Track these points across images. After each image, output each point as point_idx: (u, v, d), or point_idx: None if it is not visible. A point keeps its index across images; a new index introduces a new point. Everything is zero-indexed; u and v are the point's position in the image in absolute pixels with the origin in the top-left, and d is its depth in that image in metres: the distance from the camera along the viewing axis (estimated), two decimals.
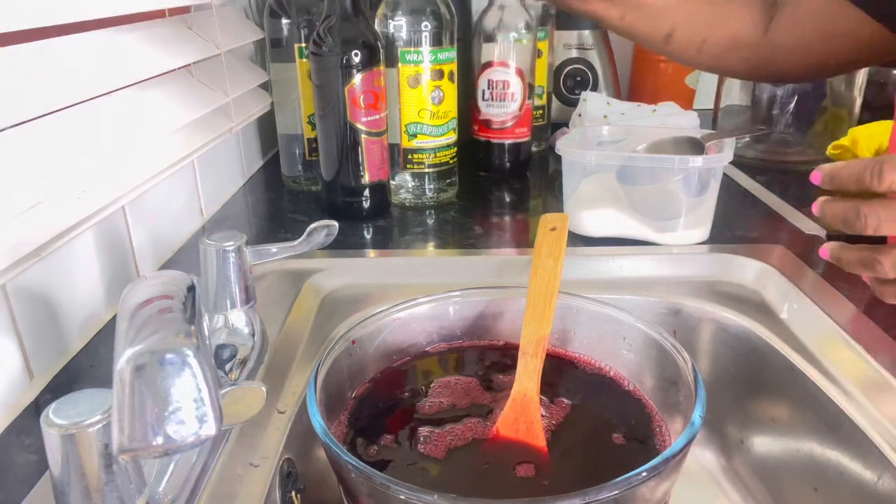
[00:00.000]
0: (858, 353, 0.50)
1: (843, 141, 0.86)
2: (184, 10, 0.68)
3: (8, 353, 0.45)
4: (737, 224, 0.72)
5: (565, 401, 0.42)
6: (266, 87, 0.86)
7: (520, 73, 0.86)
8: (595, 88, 1.11)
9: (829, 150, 0.88)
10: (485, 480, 0.36)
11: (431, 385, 0.43)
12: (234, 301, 0.47)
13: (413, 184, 0.80)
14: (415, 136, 0.77)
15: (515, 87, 0.86)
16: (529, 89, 0.87)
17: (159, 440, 0.26)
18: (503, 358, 0.46)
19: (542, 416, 0.40)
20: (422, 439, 0.38)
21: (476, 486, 0.36)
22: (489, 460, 0.38)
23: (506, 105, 0.87)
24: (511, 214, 0.79)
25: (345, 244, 0.68)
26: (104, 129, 0.51)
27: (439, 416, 0.40)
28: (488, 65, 0.86)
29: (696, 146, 0.71)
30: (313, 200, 0.82)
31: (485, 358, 0.47)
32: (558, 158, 0.70)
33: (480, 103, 0.88)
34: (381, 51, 0.71)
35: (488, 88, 0.87)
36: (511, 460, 0.37)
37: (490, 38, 0.85)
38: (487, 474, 0.37)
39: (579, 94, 1.05)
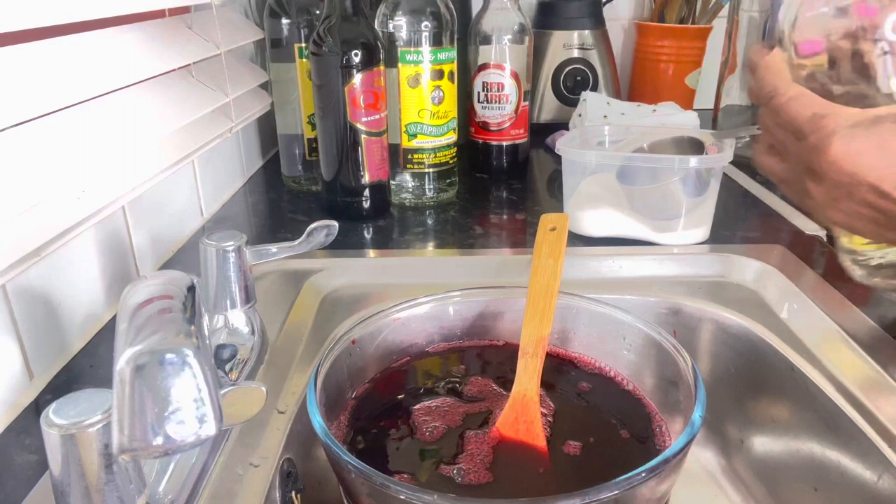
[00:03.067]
0: (858, 353, 0.50)
1: None
2: (184, 10, 0.68)
3: (8, 353, 0.45)
4: (737, 224, 0.72)
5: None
6: (266, 87, 0.86)
7: (514, 75, 0.86)
8: (595, 88, 1.11)
9: None
10: (552, 476, 0.37)
11: (412, 414, 0.41)
12: (234, 301, 0.47)
13: (413, 184, 0.80)
14: (415, 136, 0.77)
15: (510, 89, 0.86)
16: (524, 91, 0.87)
17: (159, 440, 0.26)
18: (501, 358, 0.46)
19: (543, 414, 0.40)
20: (456, 472, 0.36)
21: (551, 482, 0.36)
22: (528, 460, 0.38)
23: (501, 107, 0.87)
24: (511, 214, 0.79)
25: (345, 244, 0.68)
26: (104, 129, 0.51)
27: (446, 445, 0.39)
28: (484, 67, 0.86)
29: (696, 146, 0.71)
30: (313, 200, 0.82)
31: (452, 368, 0.46)
32: (558, 158, 0.70)
33: (476, 105, 0.88)
34: (381, 51, 0.71)
35: (483, 91, 0.87)
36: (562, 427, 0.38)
37: (485, 41, 0.85)
38: (547, 471, 0.37)
39: (579, 94, 1.05)
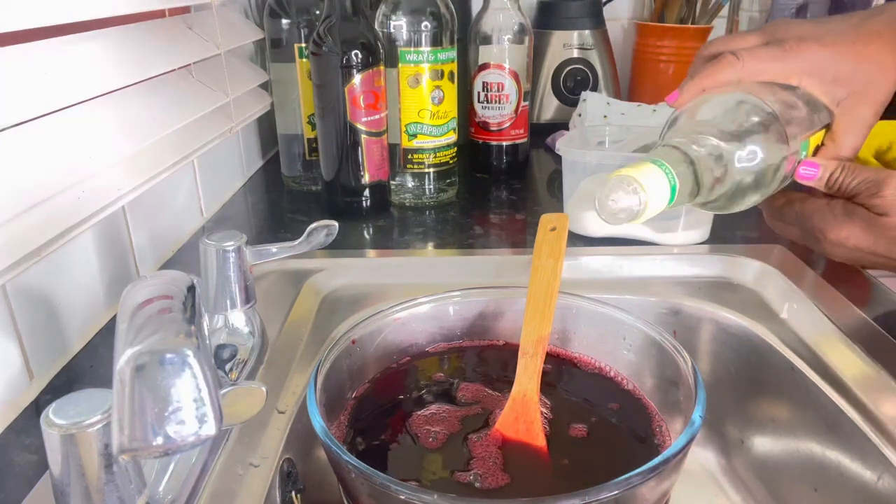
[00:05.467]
0: (858, 353, 0.50)
1: None
2: (184, 10, 0.68)
3: (8, 353, 0.45)
4: (737, 224, 0.72)
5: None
6: (266, 87, 0.86)
7: (514, 75, 0.86)
8: (595, 88, 1.11)
9: None
10: (571, 469, 0.37)
11: (413, 417, 0.41)
12: (234, 301, 0.47)
13: (413, 184, 0.80)
14: (415, 136, 0.77)
15: (510, 88, 0.86)
16: (524, 91, 0.87)
17: (159, 440, 0.26)
18: (501, 358, 0.46)
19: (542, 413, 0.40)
20: (472, 478, 0.36)
21: (556, 479, 0.37)
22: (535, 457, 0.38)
23: (501, 107, 0.87)
24: (510, 214, 0.79)
25: (345, 244, 0.68)
26: (104, 129, 0.51)
27: (451, 452, 0.38)
28: (484, 67, 0.86)
29: None
30: (313, 200, 0.82)
31: (451, 368, 0.46)
32: (558, 158, 0.70)
33: (476, 105, 0.88)
34: (381, 51, 0.71)
35: (483, 91, 0.87)
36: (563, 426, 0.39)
37: (485, 41, 0.85)
38: (562, 465, 0.37)
39: (579, 94, 1.05)
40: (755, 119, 0.42)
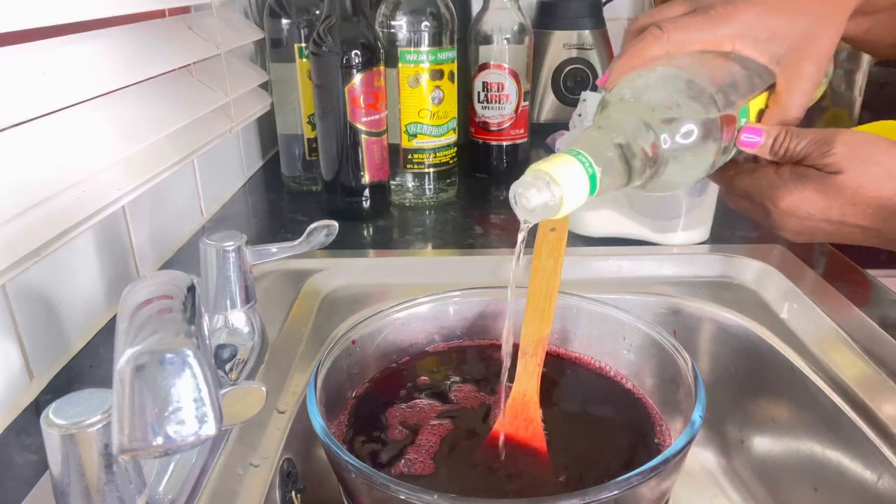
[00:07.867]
0: (858, 353, 0.50)
1: None
2: (184, 10, 0.68)
3: (8, 353, 0.45)
4: (737, 224, 0.72)
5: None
6: (266, 87, 0.86)
7: (514, 74, 0.86)
8: (595, 88, 1.11)
9: None
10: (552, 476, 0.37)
11: (410, 415, 0.41)
12: (234, 301, 0.47)
13: (413, 184, 0.80)
14: (415, 136, 0.77)
15: (510, 88, 0.86)
16: (524, 91, 0.87)
17: (159, 440, 0.26)
18: (501, 358, 0.46)
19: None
20: (403, 464, 0.37)
21: (550, 481, 0.37)
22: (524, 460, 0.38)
23: (501, 107, 0.87)
24: (510, 214, 0.79)
25: (345, 244, 0.68)
26: (104, 129, 0.51)
27: (446, 456, 0.38)
28: (484, 67, 0.86)
29: None
30: (313, 200, 0.82)
31: (451, 368, 0.46)
32: None
33: (476, 105, 0.88)
34: (381, 51, 0.71)
35: (483, 90, 0.87)
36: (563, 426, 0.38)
37: (485, 41, 0.85)
38: (547, 471, 0.37)
39: (579, 94, 1.05)
40: (684, 93, 0.39)
